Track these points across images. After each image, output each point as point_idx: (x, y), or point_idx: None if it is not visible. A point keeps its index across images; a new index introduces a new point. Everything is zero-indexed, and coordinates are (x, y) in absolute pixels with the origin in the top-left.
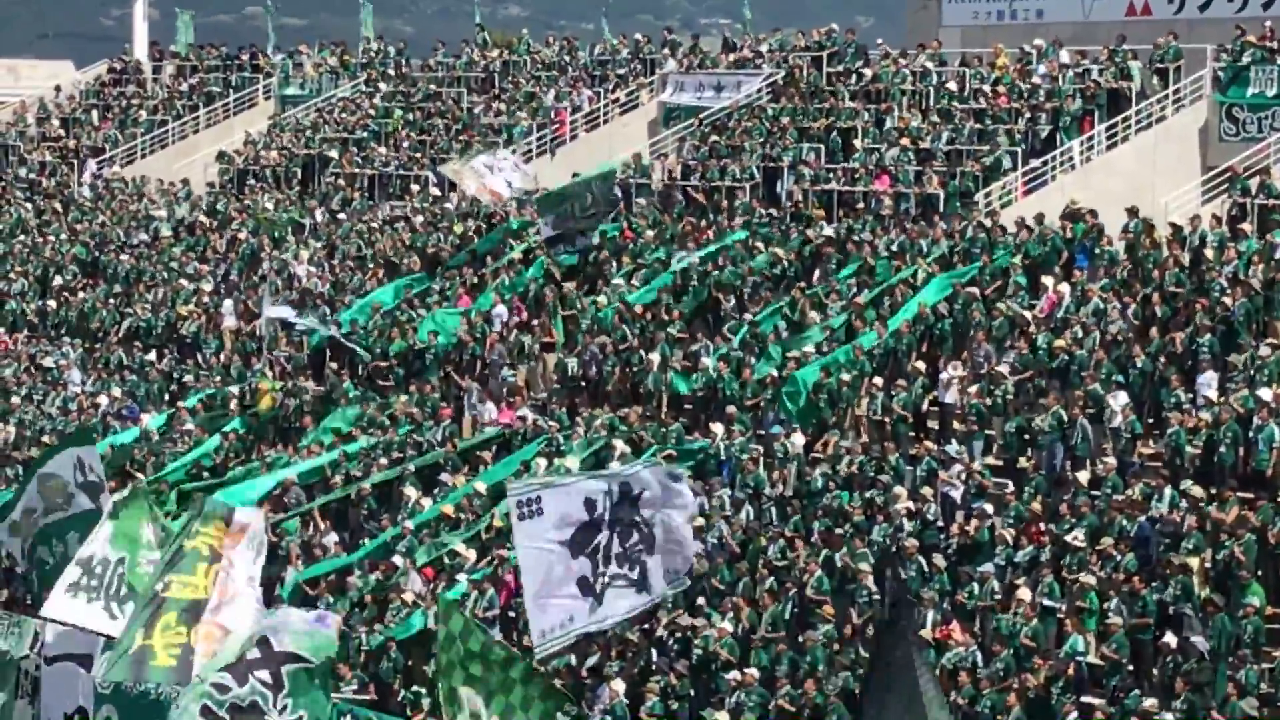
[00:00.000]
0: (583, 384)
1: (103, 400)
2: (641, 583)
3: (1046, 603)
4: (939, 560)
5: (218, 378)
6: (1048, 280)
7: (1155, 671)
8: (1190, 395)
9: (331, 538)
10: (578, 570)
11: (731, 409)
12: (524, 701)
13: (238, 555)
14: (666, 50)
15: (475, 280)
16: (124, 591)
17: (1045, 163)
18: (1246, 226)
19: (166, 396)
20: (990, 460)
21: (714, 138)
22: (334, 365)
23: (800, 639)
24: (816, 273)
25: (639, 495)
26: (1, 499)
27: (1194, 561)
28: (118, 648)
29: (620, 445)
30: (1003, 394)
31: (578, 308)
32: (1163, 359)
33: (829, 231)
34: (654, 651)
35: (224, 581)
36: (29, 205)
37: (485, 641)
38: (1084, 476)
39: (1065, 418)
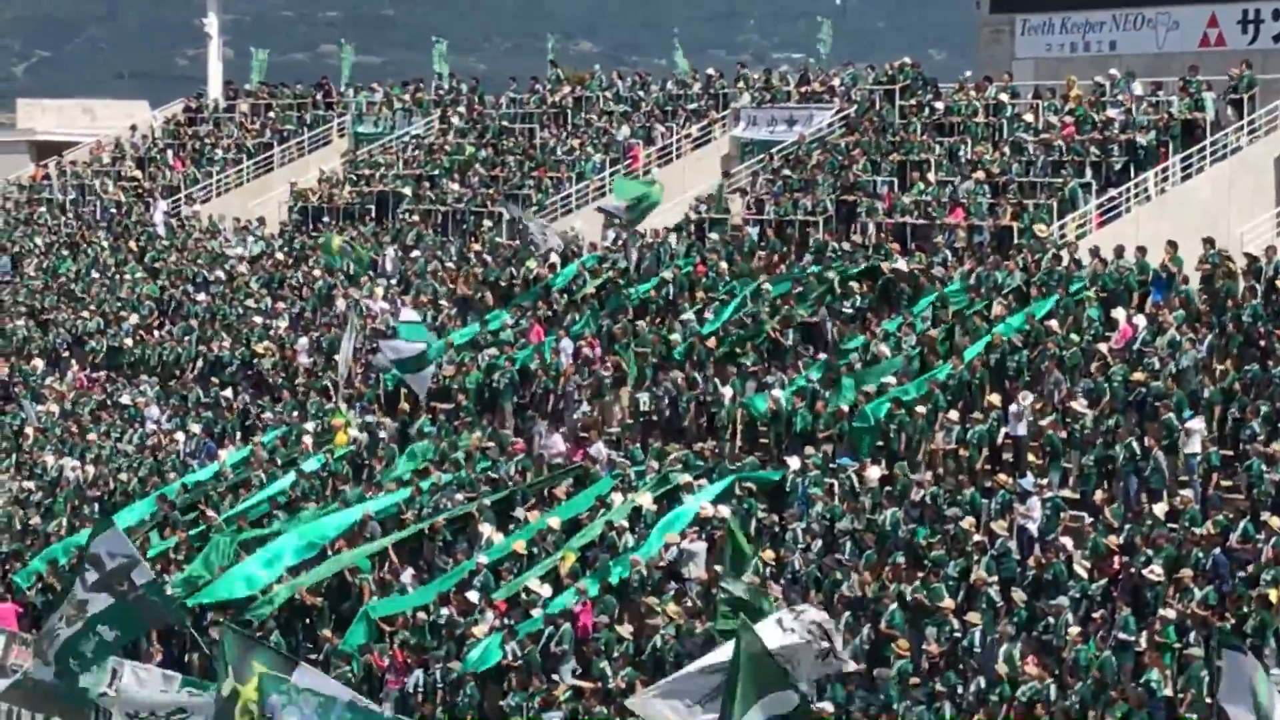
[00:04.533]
0: (654, 419)
1: (179, 437)
2: None
3: (1122, 636)
4: (1018, 594)
5: (294, 414)
6: (1120, 313)
7: None
8: (1268, 427)
9: (408, 574)
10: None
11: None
12: None
13: None
14: (740, 84)
15: (549, 315)
16: None
17: (1120, 194)
18: None
19: (241, 433)
20: (1066, 493)
21: (786, 172)
22: (407, 405)
23: (874, 674)
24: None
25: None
26: (80, 539)
27: (1273, 594)
28: None
29: (687, 477)
30: (1081, 427)
31: (649, 343)
32: (1239, 389)
33: (902, 265)
34: None
35: None
36: (105, 244)
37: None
38: (1161, 509)
39: (1138, 450)
